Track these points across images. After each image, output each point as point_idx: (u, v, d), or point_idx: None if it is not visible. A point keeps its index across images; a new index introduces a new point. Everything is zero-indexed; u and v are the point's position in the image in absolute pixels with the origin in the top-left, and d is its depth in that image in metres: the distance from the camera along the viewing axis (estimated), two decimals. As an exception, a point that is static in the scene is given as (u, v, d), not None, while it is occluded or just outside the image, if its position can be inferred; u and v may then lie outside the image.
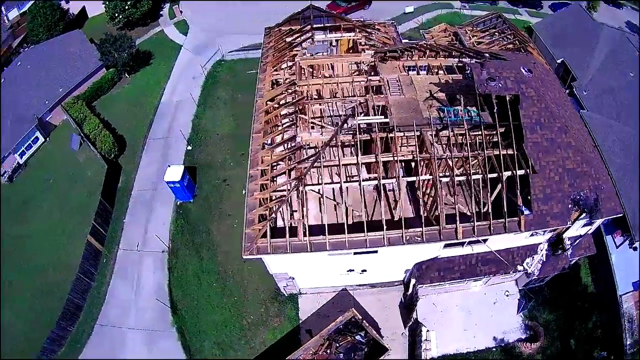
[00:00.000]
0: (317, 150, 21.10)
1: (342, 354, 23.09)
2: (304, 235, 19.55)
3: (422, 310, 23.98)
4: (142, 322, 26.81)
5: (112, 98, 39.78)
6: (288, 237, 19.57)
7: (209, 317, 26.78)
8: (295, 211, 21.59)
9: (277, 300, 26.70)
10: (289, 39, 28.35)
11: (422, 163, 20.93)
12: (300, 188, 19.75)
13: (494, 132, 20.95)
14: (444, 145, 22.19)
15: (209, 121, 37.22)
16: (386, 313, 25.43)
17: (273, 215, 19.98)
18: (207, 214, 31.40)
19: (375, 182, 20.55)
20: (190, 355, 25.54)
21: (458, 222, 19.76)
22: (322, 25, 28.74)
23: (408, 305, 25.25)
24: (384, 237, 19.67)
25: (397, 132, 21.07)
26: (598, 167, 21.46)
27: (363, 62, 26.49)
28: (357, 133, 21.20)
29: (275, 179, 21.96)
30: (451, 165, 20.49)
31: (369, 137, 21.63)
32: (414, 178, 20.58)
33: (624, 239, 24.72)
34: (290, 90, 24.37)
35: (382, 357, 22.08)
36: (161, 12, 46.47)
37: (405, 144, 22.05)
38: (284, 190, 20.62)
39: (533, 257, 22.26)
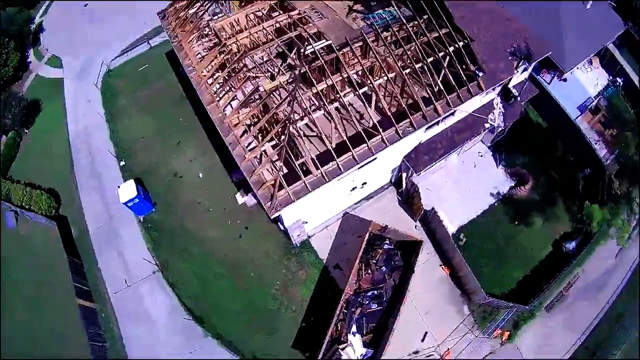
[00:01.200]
0: (290, 90, 21.43)
1: (383, 267, 24.91)
2: (317, 168, 20.37)
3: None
4: (179, 348, 25.92)
5: (23, 158, 35.87)
6: (303, 176, 20.19)
7: (236, 306, 26.59)
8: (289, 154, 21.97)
9: (291, 254, 27.43)
10: (192, 11, 27.57)
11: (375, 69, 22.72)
12: (292, 128, 20.31)
13: (418, 22, 23.37)
14: (383, 49, 24.01)
15: (127, 130, 35.06)
16: (390, 216, 27.60)
17: (280, 163, 20.26)
18: (176, 214, 30.33)
19: (351, 96, 21.97)
20: (242, 355, 25.51)
21: (433, 99, 22.20)
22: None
23: (406, 200, 27.77)
24: (382, 139, 21.38)
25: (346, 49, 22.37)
26: (518, 22, 25.26)
27: (270, 5, 26.86)
28: (314, 60, 22.07)
29: (261, 132, 22.10)
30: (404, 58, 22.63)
31: (321, 63, 22.58)
32: (380, 80, 22.30)
33: (551, 75, 29.59)
34: (223, 50, 24.13)
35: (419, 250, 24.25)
36: (29, 60, 43.63)
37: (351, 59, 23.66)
38: (275, 138, 20.97)
39: (493, 112, 25.91)
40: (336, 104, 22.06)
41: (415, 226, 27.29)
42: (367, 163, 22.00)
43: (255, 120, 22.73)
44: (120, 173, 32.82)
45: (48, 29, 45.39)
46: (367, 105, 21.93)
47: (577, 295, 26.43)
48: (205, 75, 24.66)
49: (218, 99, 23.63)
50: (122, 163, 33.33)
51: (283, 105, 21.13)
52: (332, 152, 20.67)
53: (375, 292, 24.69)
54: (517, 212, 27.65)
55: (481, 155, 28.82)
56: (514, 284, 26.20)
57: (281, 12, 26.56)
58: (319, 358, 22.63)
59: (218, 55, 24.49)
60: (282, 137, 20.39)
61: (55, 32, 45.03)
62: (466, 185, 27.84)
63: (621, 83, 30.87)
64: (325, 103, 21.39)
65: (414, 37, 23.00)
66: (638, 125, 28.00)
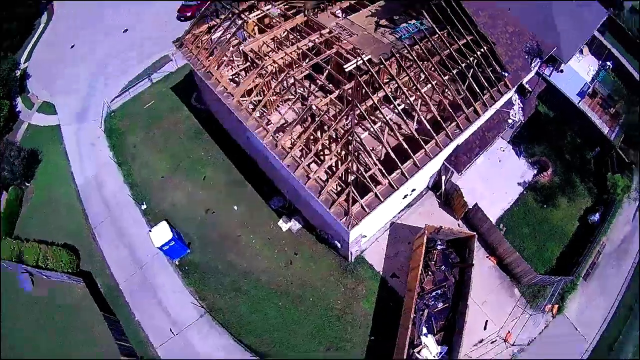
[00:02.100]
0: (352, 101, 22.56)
1: (442, 266, 26.44)
2: (384, 177, 21.68)
3: (457, 197, 28.78)
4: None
5: (29, 215, 34.14)
6: (374, 187, 21.40)
7: (301, 334, 26.74)
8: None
9: (347, 271, 28.25)
10: (215, 36, 28.27)
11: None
12: (356, 139, 21.51)
13: (448, 30, 25.84)
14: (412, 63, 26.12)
15: (144, 170, 34.50)
16: (434, 219, 29.32)
17: (351, 178, 21.34)
18: (215, 251, 30.09)
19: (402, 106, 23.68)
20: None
21: (473, 101, 24.50)
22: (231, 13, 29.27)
23: (446, 201, 29.78)
24: (436, 143, 23.24)
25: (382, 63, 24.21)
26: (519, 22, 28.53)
27: (297, 25, 28.22)
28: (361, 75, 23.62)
29: (323, 150, 23.07)
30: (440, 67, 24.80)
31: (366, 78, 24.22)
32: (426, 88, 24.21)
33: (550, 68, 33.22)
34: (262, 73, 25.06)
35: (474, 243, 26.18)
36: (18, 109, 41.94)
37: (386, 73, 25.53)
38: (338, 153, 22.08)
39: (514, 108, 28.69)
40: (391, 115, 23.61)
41: (458, 224, 29.23)
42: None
43: (313, 139, 23.60)
44: (142, 217, 32.20)
45: (35, 75, 44.08)
46: (417, 112, 23.65)
47: (606, 261, 29.40)
48: (245, 100, 25.29)
49: (265, 122, 24.34)
50: (144, 206, 32.73)
51: (342, 121, 22.32)
52: (397, 160, 22.11)
53: (439, 291, 26.16)
54: (544, 196, 30.63)
55: (503, 150, 31.63)
56: (554, 261, 28.79)
57: (308, 31, 27.93)
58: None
59: (257, 77, 25.31)
60: (349, 151, 21.54)
61: (43, 77, 43.84)
62: (496, 180, 30.35)
63: (610, 66, 35.52)
64: (382, 113, 22.89)
65: (448, 45, 25.26)
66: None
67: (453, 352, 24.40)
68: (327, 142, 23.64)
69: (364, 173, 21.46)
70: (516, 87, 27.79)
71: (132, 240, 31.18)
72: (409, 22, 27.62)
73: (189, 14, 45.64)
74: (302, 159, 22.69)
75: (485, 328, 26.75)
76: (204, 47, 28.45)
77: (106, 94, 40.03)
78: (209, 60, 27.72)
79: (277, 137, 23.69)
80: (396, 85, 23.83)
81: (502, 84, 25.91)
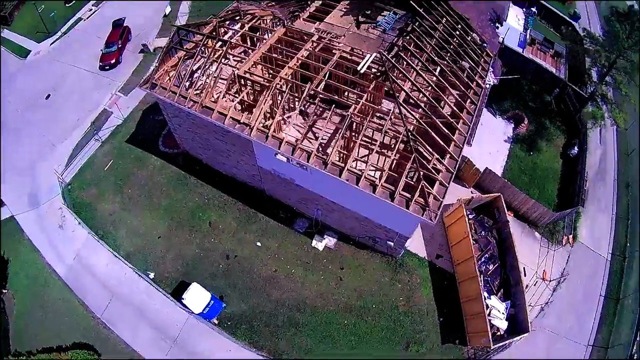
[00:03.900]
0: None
1: (483, 231, 30.03)
2: (442, 164, 24.14)
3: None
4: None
5: (21, 324, 30.29)
6: (437, 175, 23.70)
7: (379, 342, 28.26)
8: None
9: (397, 265, 30.46)
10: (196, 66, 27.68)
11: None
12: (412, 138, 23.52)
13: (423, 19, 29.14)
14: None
15: (135, 238, 32.47)
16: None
17: (421, 178, 23.28)
18: (255, 295, 29.83)
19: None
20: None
21: (473, 75, 28.15)
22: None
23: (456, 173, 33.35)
24: (463, 121, 26.39)
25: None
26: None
27: (280, 38, 28.95)
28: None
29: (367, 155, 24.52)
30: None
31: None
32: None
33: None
34: (276, 92, 25.98)
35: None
36: None
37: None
38: (398, 152, 23.85)
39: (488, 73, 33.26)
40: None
41: (471, 191, 33.05)
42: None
43: (354, 146, 24.92)
44: (153, 288, 30.49)
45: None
46: (443, 97, 26.35)
47: (593, 183, 35.87)
48: (266, 125, 25.40)
49: (301, 141, 24.84)
50: (151, 275, 30.98)
51: (387, 123, 24.03)
52: (444, 144, 24.54)
53: (487, 255, 29.76)
54: (527, 145, 36.27)
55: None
56: (555, 198, 34.56)
57: (295, 41, 28.84)
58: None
59: (271, 98, 25.54)
60: (411, 148, 23.45)
61: None
62: (486, 142, 34.99)
63: (535, 11, 42.13)
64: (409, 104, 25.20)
65: (433, 31, 28.31)
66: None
67: (517, 303, 28.33)
68: (370, 144, 25.14)
69: (426, 165, 23.53)
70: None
71: (152, 315, 29.53)
72: (383, 14, 30.14)
73: (113, 61, 43.87)
74: (357, 169, 23.91)
75: (525, 274, 31.21)
76: (185, 82, 27.42)
77: (52, 168, 36.43)
78: (198, 95, 26.98)
79: (320, 154, 24.43)
80: (413, 75, 26.22)
81: (485, 54, 29.95)
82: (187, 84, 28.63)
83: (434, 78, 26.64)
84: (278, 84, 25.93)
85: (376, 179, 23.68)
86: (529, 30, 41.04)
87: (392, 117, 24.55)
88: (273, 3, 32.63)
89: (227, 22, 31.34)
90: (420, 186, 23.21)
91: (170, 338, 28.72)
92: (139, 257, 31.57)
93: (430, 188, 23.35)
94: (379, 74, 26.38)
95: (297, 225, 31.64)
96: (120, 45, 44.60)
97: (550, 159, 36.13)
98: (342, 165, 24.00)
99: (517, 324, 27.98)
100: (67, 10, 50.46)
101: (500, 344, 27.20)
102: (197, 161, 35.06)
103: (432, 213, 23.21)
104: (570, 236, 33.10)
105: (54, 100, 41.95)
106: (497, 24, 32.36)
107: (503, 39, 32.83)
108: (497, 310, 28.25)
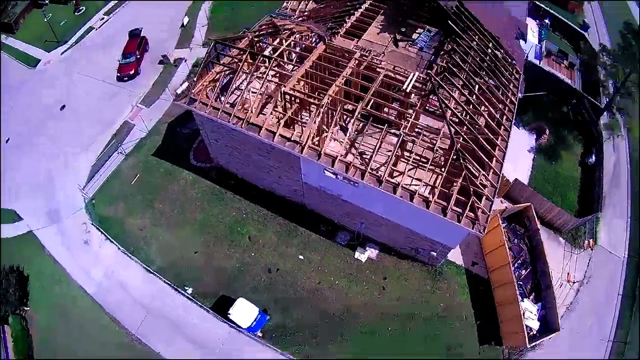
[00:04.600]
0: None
1: (515, 239, 32.68)
2: (487, 179, 26.35)
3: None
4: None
5: (47, 343, 31.12)
6: (484, 190, 25.89)
7: (422, 346, 30.43)
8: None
9: (436, 274, 32.75)
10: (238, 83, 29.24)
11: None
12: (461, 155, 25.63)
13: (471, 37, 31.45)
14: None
15: (169, 253, 33.58)
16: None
17: (471, 193, 25.38)
18: (301, 306, 31.39)
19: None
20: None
21: (507, 92, 30.47)
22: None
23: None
24: (501, 137, 28.67)
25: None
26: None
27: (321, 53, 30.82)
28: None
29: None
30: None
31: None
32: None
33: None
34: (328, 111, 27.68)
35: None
36: None
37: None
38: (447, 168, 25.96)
39: (512, 85, 35.71)
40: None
41: (501, 201, 35.45)
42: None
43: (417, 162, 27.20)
44: (193, 303, 31.78)
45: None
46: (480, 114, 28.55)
47: (608, 188, 38.72)
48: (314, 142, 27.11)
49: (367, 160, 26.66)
50: (189, 290, 32.33)
51: (438, 141, 26.09)
52: (487, 160, 26.71)
53: (520, 260, 32.25)
54: (549, 155, 39.11)
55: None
56: (576, 204, 37.39)
57: (337, 58, 30.59)
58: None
59: (323, 116, 27.21)
60: (462, 166, 25.57)
61: None
62: (512, 153, 36.89)
63: (549, 22, 44.97)
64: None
65: (469, 49, 30.48)
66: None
67: (548, 305, 30.91)
68: (420, 161, 27.16)
69: (475, 182, 25.65)
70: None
71: (190, 330, 30.77)
72: (418, 32, 32.22)
73: (132, 72, 44.55)
74: (407, 185, 25.90)
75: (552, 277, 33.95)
76: (228, 98, 28.99)
77: (71, 181, 37.18)
78: (242, 111, 28.67)
79: (374, 171, 26.28)
80: (456, 93, 28.32)
81: (515, 71, 32.30)
82: (228, 99, 29.95)
83: (474, 96, 28.82)
84: (327, 102, 27.67)
85: (424, 194, 25.82)
86: (544, 42, 43.83)
87: (442, 135, 26.71)
88: (305, 18, 34.27)
89: (262, 37, 32.76)
90: (470, 201, 25.38)
91: (211, 352, 30.08)
92: (175, 273, 32.85)
93: (479, 202, 25.54)
94: (423, 92, 28.41)
95: (338, 238, 33.56)
96: (138, 56, 45.35)
97: (570, 167, 39.05)
98: (396, 182, 25.97)
99: (548, 324, 30.69)
100: (76, 19, 50.97)
101: (534, 343, 29.79)
102: (232, 175, 36.42)
103: (481, 226, 25.44)
104: (591, 240, 35.95)
105: (70, 111, 42.64)
106: (520, 40, 34.79)
107: (527, 54, 35.30)
108: (530, 312, 30.85)
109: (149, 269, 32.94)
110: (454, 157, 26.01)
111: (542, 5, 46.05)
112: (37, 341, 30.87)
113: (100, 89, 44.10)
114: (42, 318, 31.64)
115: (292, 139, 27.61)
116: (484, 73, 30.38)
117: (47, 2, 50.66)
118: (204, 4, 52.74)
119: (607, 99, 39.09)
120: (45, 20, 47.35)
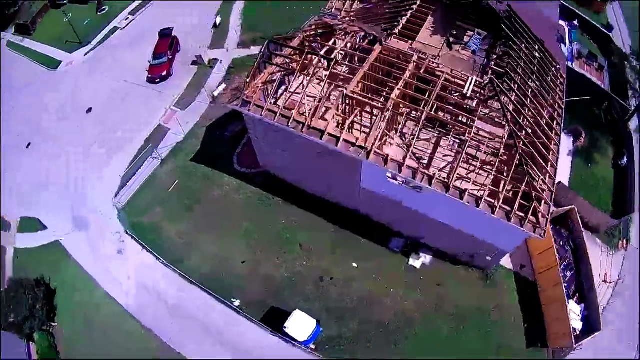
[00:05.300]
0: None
1: (561, 241, 35.08)
2: (544, 183, 27.83)
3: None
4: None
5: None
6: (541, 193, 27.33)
7: (475, 346, 31.89)
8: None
9: (488, 279, 34.19)
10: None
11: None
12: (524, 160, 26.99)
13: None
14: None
15: (213, 263, 34.03)
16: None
17: (533, 198, 26.75)
18: (356, 316, 32.22)
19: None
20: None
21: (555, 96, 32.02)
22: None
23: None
24: (554, 142, 30.25)
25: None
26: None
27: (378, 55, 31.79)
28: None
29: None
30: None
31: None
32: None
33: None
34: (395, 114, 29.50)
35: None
36: None
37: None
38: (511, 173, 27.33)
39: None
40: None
41: (544, 203, 37.19)
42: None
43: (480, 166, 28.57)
44: (236, 315, 32.14)
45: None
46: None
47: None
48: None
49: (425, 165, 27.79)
50: (237, 303, 32.85)
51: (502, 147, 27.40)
52: (544, 164, 28.15)
53: (565, 262, 33.96)
54: (585, 158, 41.08)
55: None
56: (610, 205, 39.38)
57: (394, 60, 31.56)
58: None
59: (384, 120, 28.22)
60: (524, 171, 26.97)
61: (7, 189, 39.23)
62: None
63: (577, 25, 46.77)
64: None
65: (528, 54, 31.86)
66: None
67: (591, 305, 32.76)
68: (484, 165, 28.57)
69: (536, 187, 27.05)
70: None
71: (237, 343, 31.16)
72: (469, 34, 33.40)
73: (164, 73, 44.36)
74: (476, 191, 27.16)
75: (592, 278, 35.88)
76: (287, 103, 29.80)
77: (101, 188, 37.22)
78: (302, 116, 29.43)
79: (441, 177, 27.47)
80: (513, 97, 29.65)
81: (560, 75, 33.84)
82: (284, 102, 30.72)
83: (528, 100, 30.17)
84: (390, 106, 28.61)
85: (484, 198, 27.13)
86: (574, 44, 45.65)
87: (504, 140, 28.00)
88: (354, 18, 34.96)
89: (311, 38, 33.31)
90: (532, 206, 26.79)
91: None
92: (220, 284, 33.30)
93: (539, 207, 26.94)
94: (481, 96, 29.62)
95: (392, 245, 34.73)
96: (170, 57, 45.16)
97: (604, 169, 41.16)
98: (462, 188, 27.16)
99: (590, 324, 32.42)
100: (100, 19, 50.56)
101: (580, 343, 31.45)
102: (279, 181, 36.92)
103: (542, 230, 26.94)
104: (625, 240, 37.98)
105: (97, 114, 42.51)
106: (561, 44, 36.35)
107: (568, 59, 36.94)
108: (574, 313, 32.65)
109: (192, 280, 33.25)
110: (517, 162, 27.40)
111: (568, 5, 47.79)
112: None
113: (130, 91, 44.05)
114: (75, 335, 31.83)
115: (357, 144, 28.58)
116: (534, 77, 31.88)
117: (65, 2, 49.92)
118: (236, 3, 52.65)
119: (638, 101, 41.25)
120: (66, 20, 46.90)
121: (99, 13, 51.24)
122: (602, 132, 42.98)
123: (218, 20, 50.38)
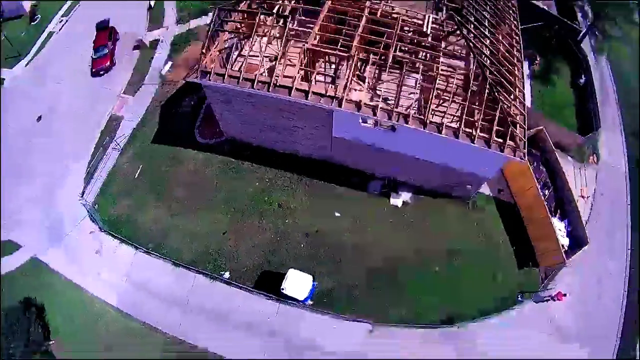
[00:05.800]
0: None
1: (535, 162, 36.54)
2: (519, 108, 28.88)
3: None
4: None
5: None
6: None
7: (469, 278, 32.89)
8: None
9: (469, 206, 35.47)
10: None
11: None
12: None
13: None
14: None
15: (193, 242, 33.92)
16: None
17: (509, 123, 27.77)
18: (348, 264, 32.97)
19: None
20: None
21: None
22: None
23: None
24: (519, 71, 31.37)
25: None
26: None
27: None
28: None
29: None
30: None
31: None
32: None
33: None
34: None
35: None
36: None
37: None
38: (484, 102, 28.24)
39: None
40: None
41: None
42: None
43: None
44: (230, 288, 32.28)
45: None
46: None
47: (604, 102, 42.52)
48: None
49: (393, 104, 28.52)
50: (227, 274, 33.06)
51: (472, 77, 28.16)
52: (512, 89, 29.34)
53: (541, 182, 35.73)
54: (541, 80, 42.86)
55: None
56: (575, 123, 41.28)
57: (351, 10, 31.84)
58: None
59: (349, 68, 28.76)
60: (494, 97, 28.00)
61: None
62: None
63: None
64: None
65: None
66: None
67: (575, 220, 34.63)
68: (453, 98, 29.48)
69: (510, 112, 28.19)
70: None
71: (235, 316, 31.55)
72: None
73: (107, 64, 44.42)
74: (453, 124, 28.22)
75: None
76: (246, 67, 29.76)
77: (68, 192, 36.52)
78: (266, 75, 29.63)
79: (415, 114, 28.16)
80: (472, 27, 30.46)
81: (511, 4, 35.05)
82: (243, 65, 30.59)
83: (487, 31, 31.04)
84: (354, 52, 28.90)
85: (461, 128, 28.07)
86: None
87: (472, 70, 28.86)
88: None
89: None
90: (509, 131, 27.89)
91: (265, 333, 31.04)
92: (206, 260, 33.30)
93: (516, 131, 28.06)
94: (443, 33, 30.34)
95: (370, 188, 35.57)
96: (111, 47, 45.20)
97: (563, 89, 43.07)
98: (439, 122, 27.95)
99: (576, 239, 34.18)
100: (35, 28, 49.83)
101: (570, 258, 33.07)
102: (246, 146, 37.03)
103: (521, 152, 28.12)
104: (594, 156, 40.01)
105: (49, 120, 41.55)
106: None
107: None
108: (559, 230, 34.37)
109: (177, 262, 33.17)
110: (488, 90, 28.34)
111: None
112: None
113: (78, 89, 43.33)
114: (74, 346, 31.25)
115: (327, 95, 28.93)
116: (488, 8, 32.88)
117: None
118: (165, -18, 52.13)
119: (587, 22, 43.21)
120: (3, 35, 46.09)
121: (32, 23, 50.41)
122: (554, 55, 44.72)
123: (152, 1, 49.86)
